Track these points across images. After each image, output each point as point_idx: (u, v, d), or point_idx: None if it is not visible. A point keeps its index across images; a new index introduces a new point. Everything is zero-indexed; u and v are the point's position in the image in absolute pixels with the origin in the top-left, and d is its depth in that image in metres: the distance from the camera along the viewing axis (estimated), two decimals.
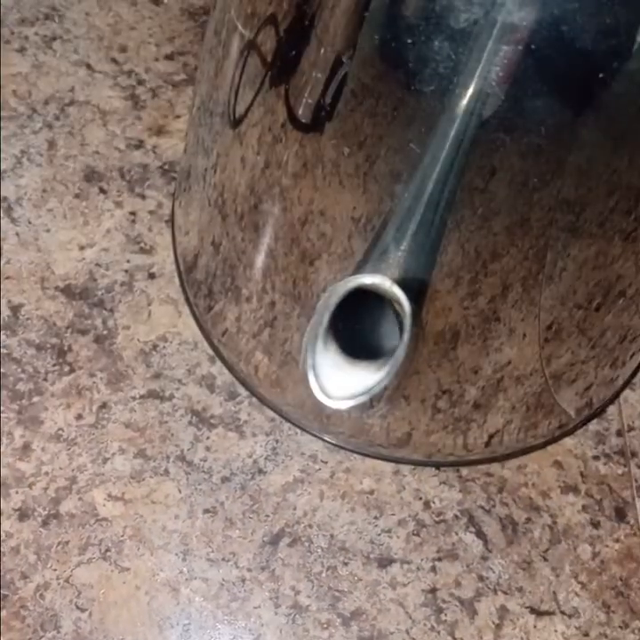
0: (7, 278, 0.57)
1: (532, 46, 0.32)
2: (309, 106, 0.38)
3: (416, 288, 0.39)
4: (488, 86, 0.33)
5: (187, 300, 0.56)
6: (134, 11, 0.69)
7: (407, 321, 0.33)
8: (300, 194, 0.41)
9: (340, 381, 0.34)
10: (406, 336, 0.33)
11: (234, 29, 0.41)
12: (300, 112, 0.39)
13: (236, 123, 0.42)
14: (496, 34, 0.32)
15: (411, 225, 0.38)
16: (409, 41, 0.33)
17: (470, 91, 0.33)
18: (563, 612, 0.51)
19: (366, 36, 0.35)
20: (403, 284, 0.36)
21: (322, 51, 0.36)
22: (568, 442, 0.55)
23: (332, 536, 0.51)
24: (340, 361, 0.34)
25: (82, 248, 0.58)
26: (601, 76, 0.33)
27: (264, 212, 0.44)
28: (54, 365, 0.54)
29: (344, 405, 0.34)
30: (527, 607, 0.51)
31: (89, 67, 0.66)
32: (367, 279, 0.34)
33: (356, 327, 0.37)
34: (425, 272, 0.39)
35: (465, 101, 0.33)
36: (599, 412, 0.56)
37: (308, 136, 0.39)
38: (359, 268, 0.40)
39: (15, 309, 0.56)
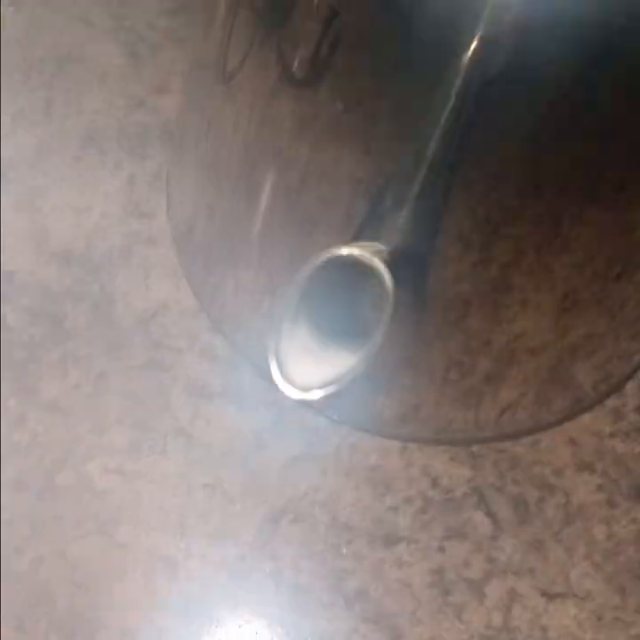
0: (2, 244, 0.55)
1: None
2: (304, 60, 0.36)
3: (418, 255, 0.37)
4: (493, 34, 0.30)
5: (183, 270, 0.55)
6: None
7: (388, 299, 0.30)
8: (297, 154, 0.40)
9: (308, 368, 0.31)
10: (386, 317, 0.30)
11: None
12: (295, 66, 0.37)
13: (228, 79, 0.41)
14: None
15: (413, 187, 0.36)
16: None
17: (475, 40, 0.31)
18: (575, 595, 0.49)
19: None
20: (403, 250, 0.33)
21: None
22: (584, 418, 0.54)
23: (335, 514, 0.50)
24: (310, 345, 0.31)
25: (79, 212, 0.57)
26: (619, 23, 0.30)
27: (259, 176, 0.42)
28: (50, 333, 0.53)
29: (310, 396, 0.31)
30: (538, 589, 0.49)
31: (88, 22, 0.64)
32: (344, 250, 0.31)
33: (342, 308, 0.35)
34: (429, 237, 0.37)
35: (469, 52, 0.31)
36: (617, 388, 0.54)
37: (303, 92, 0.37)
38: (359, 234, 0.38)
39: (10, 276, 0.55)
